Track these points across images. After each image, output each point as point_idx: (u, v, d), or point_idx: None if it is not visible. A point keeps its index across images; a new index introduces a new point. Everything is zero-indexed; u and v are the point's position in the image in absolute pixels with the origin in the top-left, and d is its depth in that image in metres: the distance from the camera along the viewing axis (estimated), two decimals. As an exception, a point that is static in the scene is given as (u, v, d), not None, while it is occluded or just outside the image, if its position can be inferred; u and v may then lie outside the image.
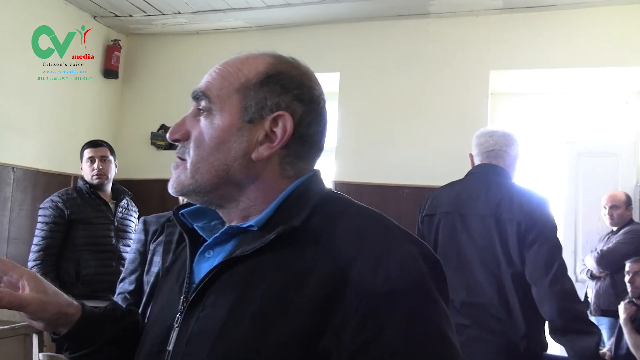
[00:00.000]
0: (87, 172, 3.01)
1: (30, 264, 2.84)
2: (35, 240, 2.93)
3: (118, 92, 4.80)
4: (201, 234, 0.87)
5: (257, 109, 0.81)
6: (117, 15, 4.44)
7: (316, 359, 0.68)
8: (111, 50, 4.62)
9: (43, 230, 2.90)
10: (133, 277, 2.22)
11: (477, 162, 2.25)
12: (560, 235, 2.10)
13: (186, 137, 0.83)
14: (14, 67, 3.83)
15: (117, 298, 2.24)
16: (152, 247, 2.21)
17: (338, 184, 4.04)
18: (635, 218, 3.69)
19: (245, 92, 0.81)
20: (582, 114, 4.24)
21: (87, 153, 3.03)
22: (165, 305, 0.86)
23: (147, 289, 2.17)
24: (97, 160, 3.00)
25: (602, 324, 3.34)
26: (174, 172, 0.84)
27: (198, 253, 0.85)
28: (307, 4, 4.01)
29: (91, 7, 4.32)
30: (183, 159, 0.83)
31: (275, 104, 0.81)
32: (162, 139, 4.53)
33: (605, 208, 3.62)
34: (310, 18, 4.22)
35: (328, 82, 4.09)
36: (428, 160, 3.95)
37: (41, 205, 3.00)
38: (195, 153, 0.81)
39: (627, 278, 3.12)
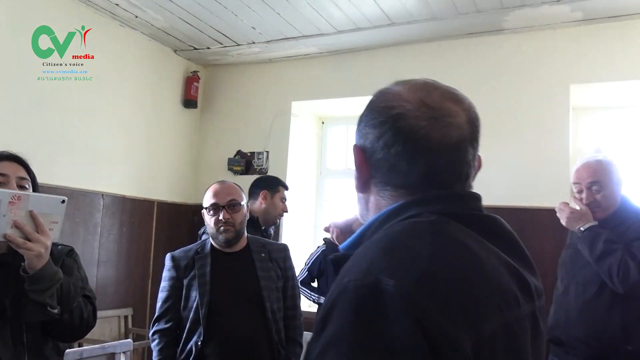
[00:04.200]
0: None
1: None
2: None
3: (197, 121, 5.02)
4: None
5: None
6: (195, 48, 4.67)
7: None
8: (190, 81, 4.86)
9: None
10: (169, 315, 2.20)
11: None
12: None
13: None
14: (106, 101, 4.10)
15: (155, 336, 2.20)
16: (185, 282, 2.20)
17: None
18: None
19: None
20: (675, 126, 3.96)
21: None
22: None
23: (187, 324, 2.15)
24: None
25: None
26: None
27: None
28: (377, 27, 4.03)
29: (172, 42, 4.57)
30: None
31: (356, 139, 0.87)
32: (238, 165, 4.64)
33: None
34: (380, 41, 4.24)
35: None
36: (507, 180, 3.81)
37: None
38: None
39: None
